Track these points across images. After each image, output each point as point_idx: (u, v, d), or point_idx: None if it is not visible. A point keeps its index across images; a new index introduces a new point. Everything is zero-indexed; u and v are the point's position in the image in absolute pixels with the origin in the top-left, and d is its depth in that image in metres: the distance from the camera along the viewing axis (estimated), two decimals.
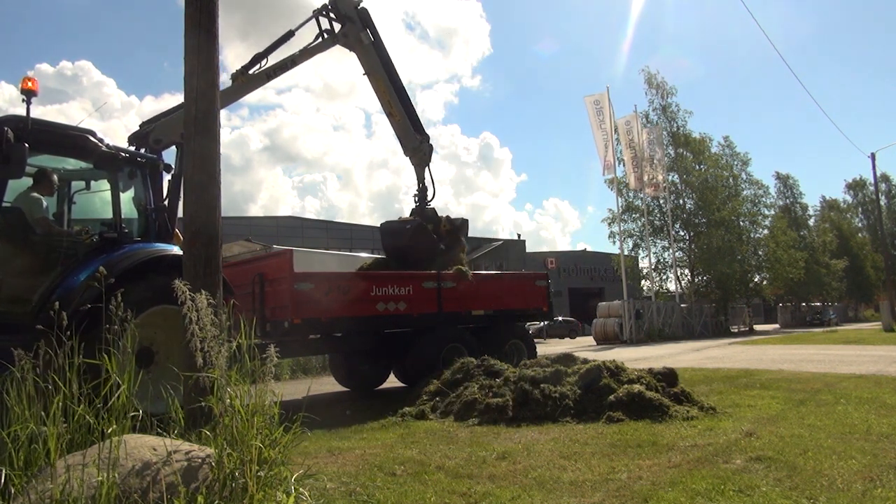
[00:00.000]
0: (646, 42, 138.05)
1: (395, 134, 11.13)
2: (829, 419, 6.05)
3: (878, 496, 3.65)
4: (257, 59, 9.91)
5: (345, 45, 10.59)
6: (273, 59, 10.12)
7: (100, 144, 6.17)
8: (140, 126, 8.53)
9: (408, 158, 11.10)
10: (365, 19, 10.60)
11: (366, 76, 10.83)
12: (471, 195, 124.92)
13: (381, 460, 5.02)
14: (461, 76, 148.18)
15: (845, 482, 3.92)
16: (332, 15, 10.55)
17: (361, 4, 10.65)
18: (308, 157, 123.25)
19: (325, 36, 10.46)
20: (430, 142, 11.11)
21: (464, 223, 11.16)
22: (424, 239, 10.36)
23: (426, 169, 11.01)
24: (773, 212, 46.72)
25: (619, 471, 4.44)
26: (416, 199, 10.99)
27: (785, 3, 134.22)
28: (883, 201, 59.09)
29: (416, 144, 10.91)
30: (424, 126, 11.25)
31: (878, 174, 39.89)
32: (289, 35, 10.31)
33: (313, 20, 10.53)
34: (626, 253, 36.03)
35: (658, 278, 40.15)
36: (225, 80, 8.87)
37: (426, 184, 10.99)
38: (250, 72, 9.89)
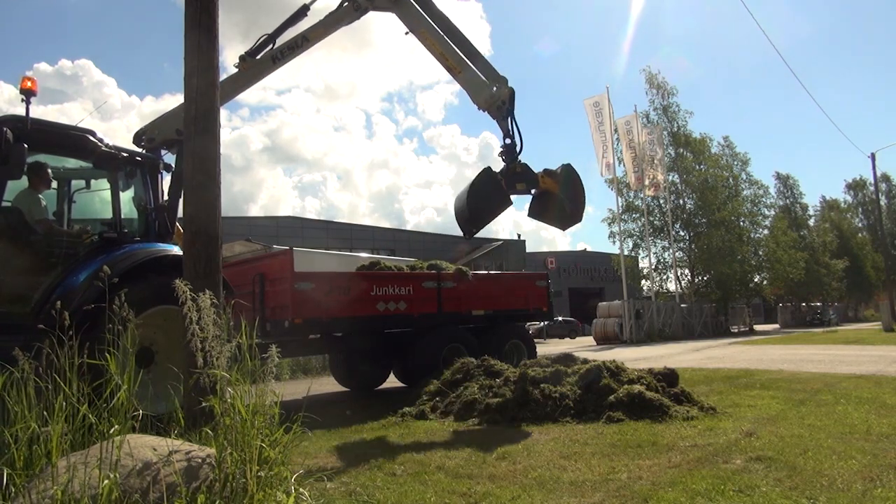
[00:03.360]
0: (646, 42, 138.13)
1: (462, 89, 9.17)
2: (829, 419, 6.05)
3: (878, 496, 3.65)
4: (266, 42, 8.81)
5: (376, 8, 9.07)
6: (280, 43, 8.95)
7: (100, 144, 6.17)
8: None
9: (485, 112, 8.92)
10: None
11: (409, 34, 9.05)
12: None
13: (381, 460, 5.02)
14: None
15: (845, 482, 3.91)
16: None
17: None
18: (308, 157, 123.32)
19: (347, 3, 8.97)
20: (509, 85, 8.84)
21: (567, 170, 8.62)
22: (489, 188, 8.25)
23: (509, 119, 8.74)
24: (773, 212, 46.85)
25: (619, 471, 4.44)
26: (503, 156, 8.66)
27: (785, 3, 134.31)
28: (883, 201, 59.12)
29: (489, 94, 8.76)
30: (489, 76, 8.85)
31: (878, 174, 40.01)
32: (303, 11, 9.04)
33: None
34: (626, 253, 36.07)
35: (658, 278, 40.21)
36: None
37: (513, 136, 8.67)
38: (258, 57, 8.82)
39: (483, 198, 8.18)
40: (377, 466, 4.82)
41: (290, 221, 44.31)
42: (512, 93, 8.79)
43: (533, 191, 8.55)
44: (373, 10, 9.07)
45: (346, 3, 8.99)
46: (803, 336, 27.26)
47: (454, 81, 9.10)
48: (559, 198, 8.52)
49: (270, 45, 8.87)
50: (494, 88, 8.75)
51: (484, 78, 8.78)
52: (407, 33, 9.05)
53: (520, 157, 8.52)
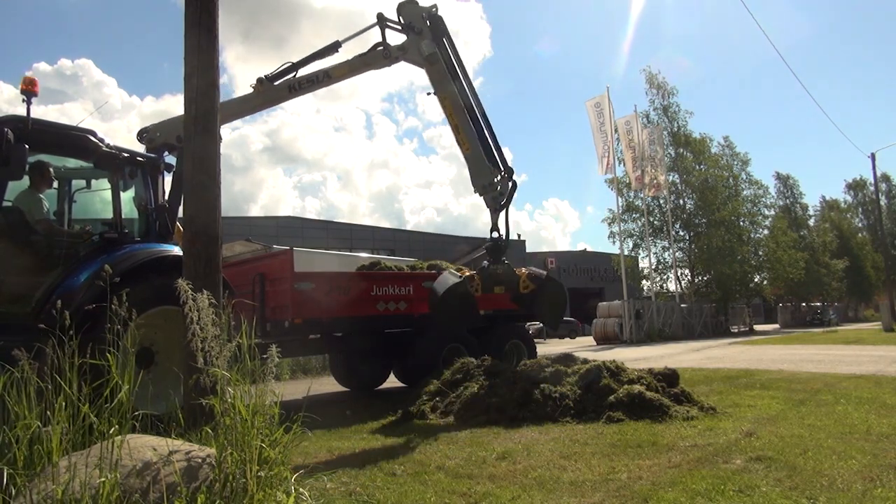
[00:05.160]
0: (646, 42, 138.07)
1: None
2: (829, 419, 6.05)
3: (878, 496, 3.65)
4: (288, 70, 8.60)
5: (408, 61, 8.88)
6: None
7: (100, 144, 6.18)
8: None
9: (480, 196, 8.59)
10: (437, 29, 8.73)
11: (432, 95, 8.86)
12: (471, 195, 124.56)
13: (381, 460, 5.03)
14: None
15: (845, 482, 3.92)
16: (396, 26, 8.77)
17: (435, 8, 8.76)
18: (308, 157, 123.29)
19: (380, 49, 8.77)
20: (514, 178, 8.53)
21: (549, 281, 8.43)
22: (458, 305, 7.77)
23: (501, 213, 8.32)
24: (773, 212, 46.88)
25: (619, 471, 4.44)
26: (488, 251, 8.32)
27: (785, 3, 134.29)
28: (883, 201, 59.16)
29: (488, 182, 8.35)
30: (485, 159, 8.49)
31: (878, 174, 40.06)
32: (334, 46, 8.80)
33: (364, 32, 8.95)
34: (626, 253, 36.07)
35: (658, 278, 40.23)
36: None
37: (501, 231, 8.28)
38: (276, 83, 8.58)
39: (452, 310, 7.77)
40: (377, 466, 4.81)
41: (290, 221, 44.30)
42: (514, 186, 8.40)
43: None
44: (404, 61, 8.90)
45: (378, 49, 8.78)
46: (803, 336, 27.27)
47: None
48: (540, 301, 8.31)
49: (293, 74, 8.65)
50: (497, 178, 8.39)
51: (489, 163, 8.47)
52: (430, 94, 8.85)
53: (504, 257, 8.20)
